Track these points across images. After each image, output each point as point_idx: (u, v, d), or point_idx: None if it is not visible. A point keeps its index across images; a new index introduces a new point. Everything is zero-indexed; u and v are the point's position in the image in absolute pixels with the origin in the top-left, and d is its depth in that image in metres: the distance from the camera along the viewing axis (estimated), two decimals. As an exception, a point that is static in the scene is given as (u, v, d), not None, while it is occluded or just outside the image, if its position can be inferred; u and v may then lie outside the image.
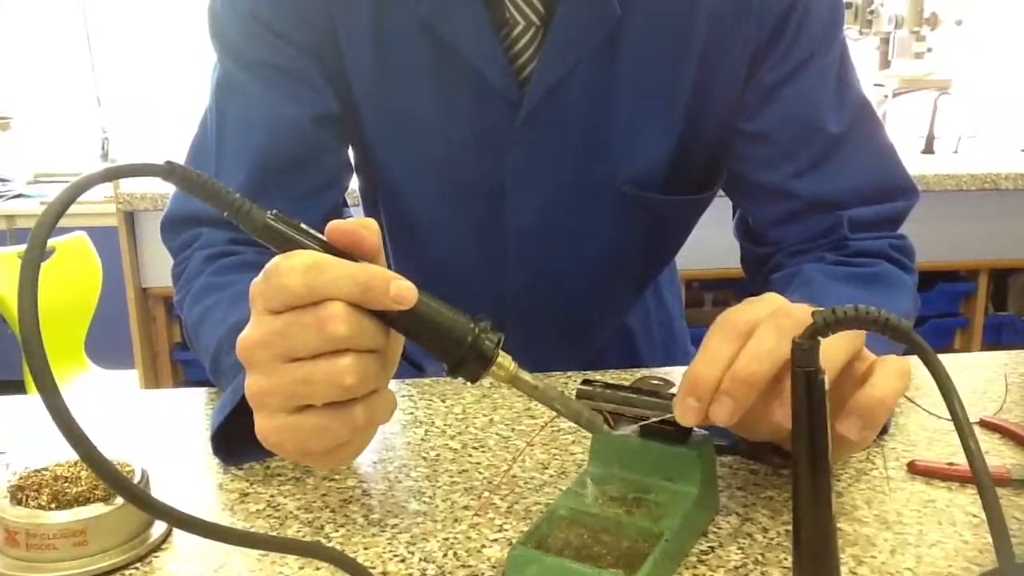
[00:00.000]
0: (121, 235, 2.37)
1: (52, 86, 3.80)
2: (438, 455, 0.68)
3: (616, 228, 0.89)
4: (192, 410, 0.79)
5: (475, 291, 0.91)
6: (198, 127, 0.86)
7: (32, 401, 0.79)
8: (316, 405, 0.49)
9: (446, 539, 0.56)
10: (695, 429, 0.56)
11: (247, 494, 0.62)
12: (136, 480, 0.55)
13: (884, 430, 0.71)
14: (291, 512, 0.59)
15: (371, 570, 0.51)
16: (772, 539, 0.56)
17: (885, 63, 3.18)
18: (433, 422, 0.75)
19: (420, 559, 0.53)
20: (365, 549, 0.55)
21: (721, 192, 0.93)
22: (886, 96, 3.16)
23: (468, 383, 0.51)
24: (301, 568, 0.52)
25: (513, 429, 0.73)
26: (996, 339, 2.91)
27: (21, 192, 3.52)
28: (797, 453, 0.44)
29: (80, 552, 0.51)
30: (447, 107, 0.82)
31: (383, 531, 0.57)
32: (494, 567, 0.52)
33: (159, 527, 0.55)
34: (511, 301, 0.92)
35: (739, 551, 0.54)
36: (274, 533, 0.57)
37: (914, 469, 0.65)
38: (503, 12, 0.78)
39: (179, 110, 3.27)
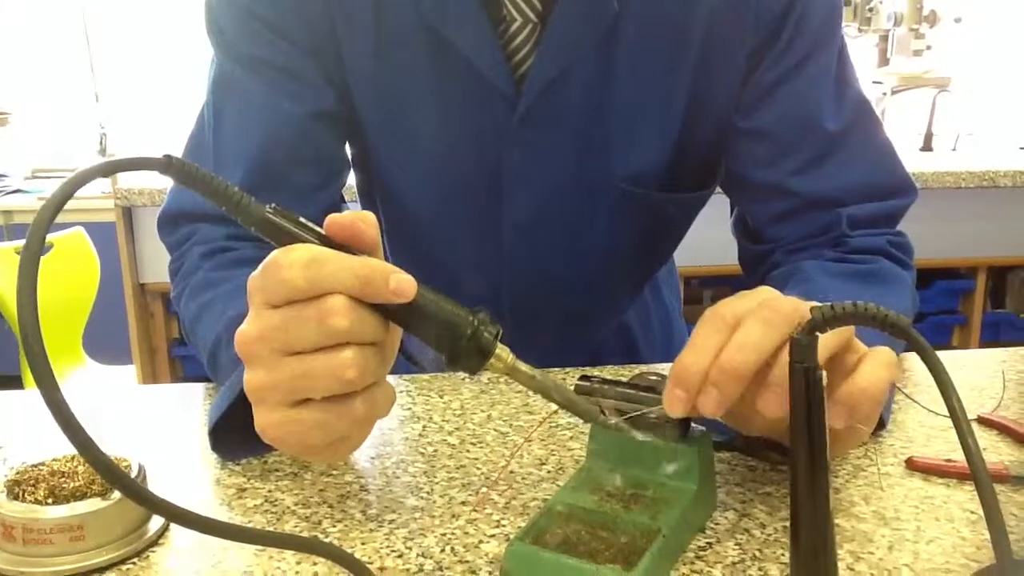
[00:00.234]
0: (119, 231, 2.37)
1: (50, 81, 3.79)
2: (436, 450, 0.68)
3: (614, 225, 0.89)
4: (190, 406, 0.79)
5: (473, 288, 0.91)
6: (195, 123, 0.86)
7: (29, 396, 0.79)
8: (316, 399, 0.49)
9: (444, 534, 0.56)
10: (693, 425, 0.57)
11: (244, 489, 0.62)
12: (133, 475, 0.55)
13: (882, 425, 0.71)
14: (289, 507, 0.59)
15: (368, 565, 0.51)
16: (770, 535, 0.56)
17: (884, 60, 3.18)
18: (431, 417, 0.75)
19: (418, 554, 0.53)
20: (363, 544, 0.55)
21: (719, 189, 0.93)
22: (885, 94, 3.16)
23: (467, 375, 0.51)
24: (299, 563, 0.52)
25: (511, 425, 0.73)
26: (994, 336, 2.92)
27: (19, 187, 3.52)
28: (795, 449, 0.44)
29: (77, 547, 0.51)
30: (445, 104, 0.82)
31: (381, 526, 0.57)
32: (491, 562, 0.52)
33: (156, 522, 0.55)
34: (509, 298, 0.92)
35: (737, 547, 0.54)
36: (271, 528, 0.57)
37: (912, 465, 0.65)
38: (501, 9, 0.78)
39: (177, 106, 3.26)
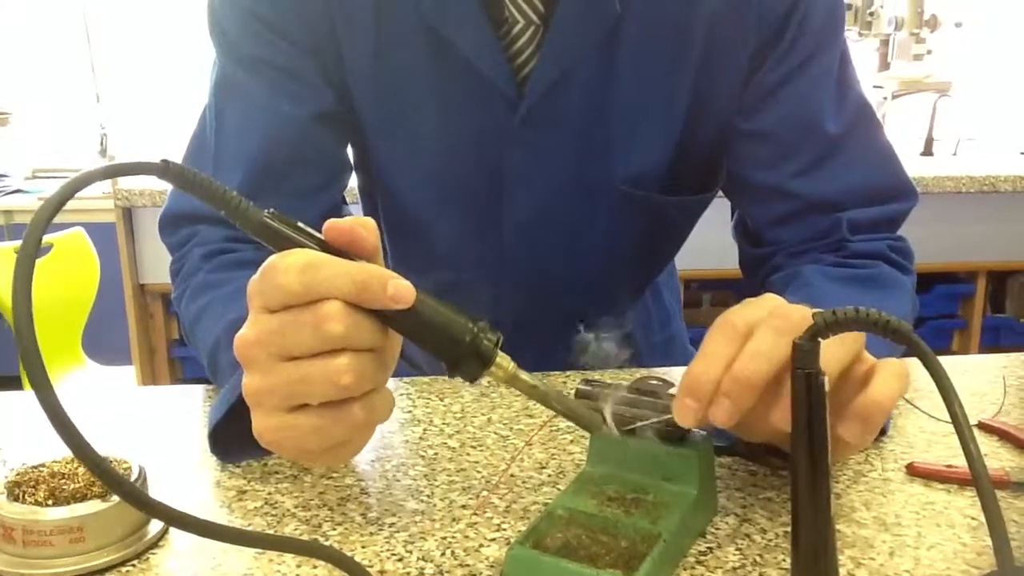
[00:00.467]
0: (119, 231, 2.37)
1: (51, 82, 3.79)
2: (436, 454, 0.68)
3: (615, 227, 0.89)
4: (189, 407, 0.79)
5: (473, 290, 0.91)
6: (196, 124, 0.86)
7: (29, 397, 0.79)
8: (313, 404, 0.49)
9: (444, 538, 0.56)
10: (694, 430, 0.56)
11: (244, 492, 0.62)
12: (133, 478, 0.55)
13: (883, 431, 0.71)
14: (289, 510, 0.59)
15: (369, 569, 0.51)
16: (770, 540, 0.55)
17: (884, 65, 3.18)
18: (431, 421, 0.75)
19: (418, 558, 0.53)
20: (363, 548, 0.54)
21: (720, 192, 0.93)
22: (885, 98, 3.16)
23: (467, 382, 0.51)
24: (299, 566, 0.52)
25: (511, 428, 0.73)
26: (994, 341, 2.91)
27: (19, 188, 3.51)
28: (796, 454, 0.44)
29: (77, 549, 0.51)
30: (446, 105, 0.82)
31: (381, 530, 0.57)
32: (492, 566, 0.52)
33: (156, 524, 0.55)
34: (508, 299, 0.92)
35: (737, 552, 0.54)
36: (271, 531, 0.57)
37: (913, 471, 0.65)
38: (502, 11, 0.78)
39: (178, 107, 3.26)
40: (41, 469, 0.54)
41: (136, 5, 3.72)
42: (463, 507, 0.60)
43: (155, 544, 0.54)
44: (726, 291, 2.71)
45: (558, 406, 0.53)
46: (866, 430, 0.50)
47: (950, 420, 0.42)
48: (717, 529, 0.57)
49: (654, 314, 1.08)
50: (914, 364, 0.86)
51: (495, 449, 0.69)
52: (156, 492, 0.57)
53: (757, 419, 0.51)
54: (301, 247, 0.49)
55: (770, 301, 0.54)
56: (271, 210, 0.49)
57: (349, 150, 0.91)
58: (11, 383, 1.85)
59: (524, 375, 0.52)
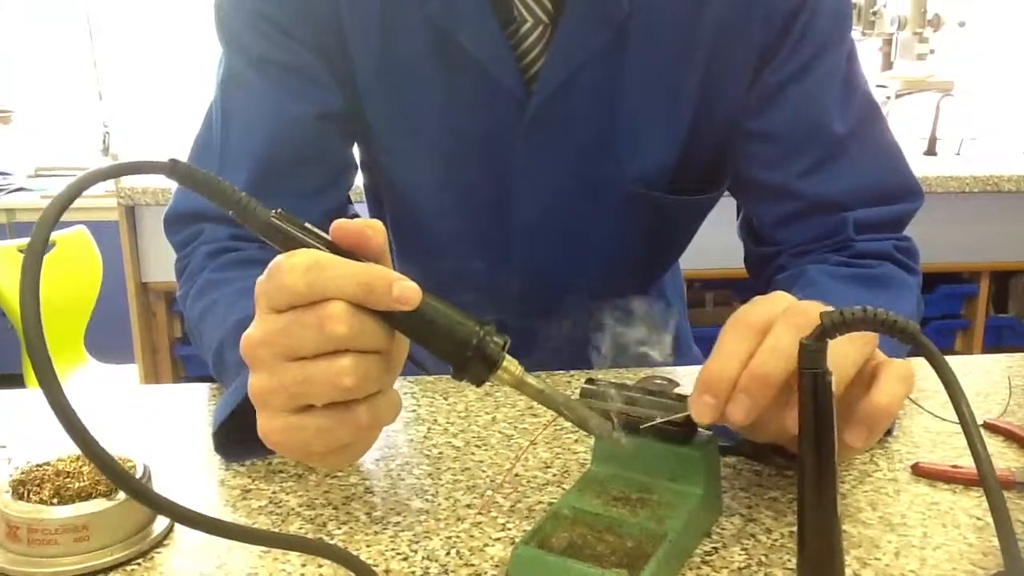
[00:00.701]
0: (122, 229, 2.37)
1: (53, 80, 3.79)
2: (441, 453, 0.68)
3: (621, 227, 0.89)
4: (193, 406, 0.79)
5: (479, 289, 0.91)
6: (202, 123, 0.86)
7: (33, 395, 0.79)
8: (317, 405, 0.49)
9: (449, 537, 0.56)
10: (700, 429, 0.56)
11: (249, 490, 0.62)
12: (138, 476, 0.55)
13: (888, 432, 0.71)
14: (293, 509, 0.59)
15: (374, 568, 0.51)
16: (776, 540, 0.55)
17: (888, 64, 3.18)
18: (436, 420, 0.75)
19: (423, 557, 0.53)
20: (368, 547, 0.54)
21: (725, 192, 0.93)
22: (888, 98, 3.15)
23: (474, 386, 0.51)
24: (303, 565, 0.52)
25: (516, 427, 0.73)
26: (997, 341, 2.91)
27: (22, 186, 3.52)
28: (803, 454, 0.44)
29: (82, 547, 0.51)
30: (453, 104, 0.82)
31: (386, 529, 0.57)
32: (497, 566, 0.52)
33: (161, 523, 0.55)
34: (514, 299, 0.92)
35: (743, 552, 0.54)
36: (276, 530, 0.57)
37: (918, 471, 0.65)
38: (511, 10, 0.78)
39: (181, 104, 3.26)
40: (46, 467, 0.54)
41: (139, 2, 3.73)
42: (468, 506, 0.60)
43: (160, 543, 0.54)
44: (728, 291, 2.71)
45: (566, 411, 0.52)
46: (871, 435, 0.50)
47: (956, 420, 0.42)
48: (722, 529, 0.57)
49: (657, 316, 1.08)
50: (920, 364, 0.86)
51: (500, 448, 0.69)
52: (160, 490, 0.57)
53: (770, 419, 0.51)
54: (308, 247, 0.48)
55: (783, 299, 0.54)
56: (278, 210, 0.49)
57: (355, 149, 0.91)
58: (14, 381, 1.85)
59: (531, 379, 0.52)
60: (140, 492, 0.42)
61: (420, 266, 0.95)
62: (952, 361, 0.88)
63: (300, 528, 0.57)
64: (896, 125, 3.09)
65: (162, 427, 0.74)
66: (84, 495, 0.52)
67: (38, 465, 0.54)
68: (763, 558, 0.53)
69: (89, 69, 3.78)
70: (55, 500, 0.51)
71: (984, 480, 0.41)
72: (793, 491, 0.60)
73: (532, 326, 0.89)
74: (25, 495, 0.52)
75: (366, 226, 0.50)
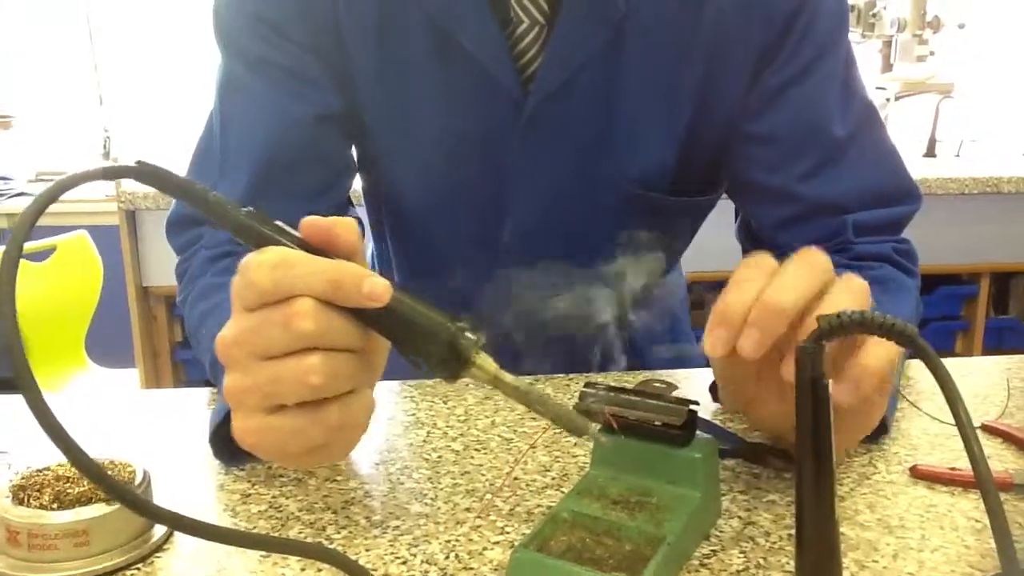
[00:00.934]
0: (122, 234, 2.37)
1: (54, 84, 3.80)
2: (440, 457, 0.68)
3: (619, 229, 0.89)
4: (193, 410, 0.79)
5: (477, 291, 0.91)
6: (203, 129, 0.86)
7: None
8: (290, 405, 0.48)
9: (448, 541, 0.56)
10: (698, 432, 0.56)
11: (249, 495, 0.62)
12: (138, 481, 0.55)
13: (885, 430, 0.71)
14: (293, 513, 0.59)
15: (372, 572, 0.51)
16: (775, 543, 0.55)
17: (887, 66, 3.18)
18: (435, 424, 0.75)
19: (422, 561, 0.53)
20: (367, 551, 0.55)
21: (724, 195, 0.93)
22: (888, 100, 3.15)
23: (448, 382, 0.51)
24: (303, 570, 0.52)
25: (515, 431, 0.73)
26: (997, 342, 2.91)
27: (23, 191, 3.51)
28: (801, 457, 0.44)
29: (82, 552, 0.51)
30: (450, 104, 0.82)
31: (385, 533, 0.57)
32: (496, 570, 0.52)
33: (161, 527, 0.55)
34: (511, 301, 0.92)
35: (741, 555, 0.54)
36: (276, 534, 0.57)
37: (916, 473, 0.65)
38: (508, 10, 0.78)
39: (181, 109, 3.27)
40: (46, 472, 0.54)
41: (139, 7, 3.73)
42: (467, 510, 0.60)
43: (160, 548, 0.55)
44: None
45: (541, 409, 0.52)
46: (858, 393, 0.51)
47: (954, 423, 0.42)
48: (721, 532, 0.57)
49: (659, 316, 1.08)
50: (918, 366, 0.87)
51: (499, 452, 0.69)
52: (160, 495, 0.58)
53: (770, 375, 0.52)
54: (278, 245, 0.48)
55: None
56: (249, 208, 0.49)
57: (353, 151, 0.91)
58: (14, 386, 1.85)
59: (507, 376, 0.51)
60: (126, 496, 0.42)
61: (417, 266, 0.95)
62: (950, 363, 0.88)
63: (299, 532, 0.57)
64: (896, 127, 3.11)
65: (162, 432, 0.75)
66: (84, 500, 0.52)
67: (38, 470, 0.55)
68: (762, 561, 0.53)
69: (90, 73, 3.78)
70: (55, 505, 0.52)
71: (981, 483, 0.41)
72: (791, 494, 0.60)
73: (531, 328, 0.89)
74: (25, 500, 0.52)
75: (336, 223, 0.49)
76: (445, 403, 0.79)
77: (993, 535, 0.41)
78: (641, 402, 0.56)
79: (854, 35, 3.07)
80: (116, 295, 2.58)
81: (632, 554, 0.50)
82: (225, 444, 0.64)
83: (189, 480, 0.65)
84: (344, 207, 0.90)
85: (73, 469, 0.55)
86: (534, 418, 0.75)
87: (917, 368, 0.86)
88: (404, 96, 0.83)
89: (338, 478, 0.64)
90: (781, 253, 0.88)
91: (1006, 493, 0.62)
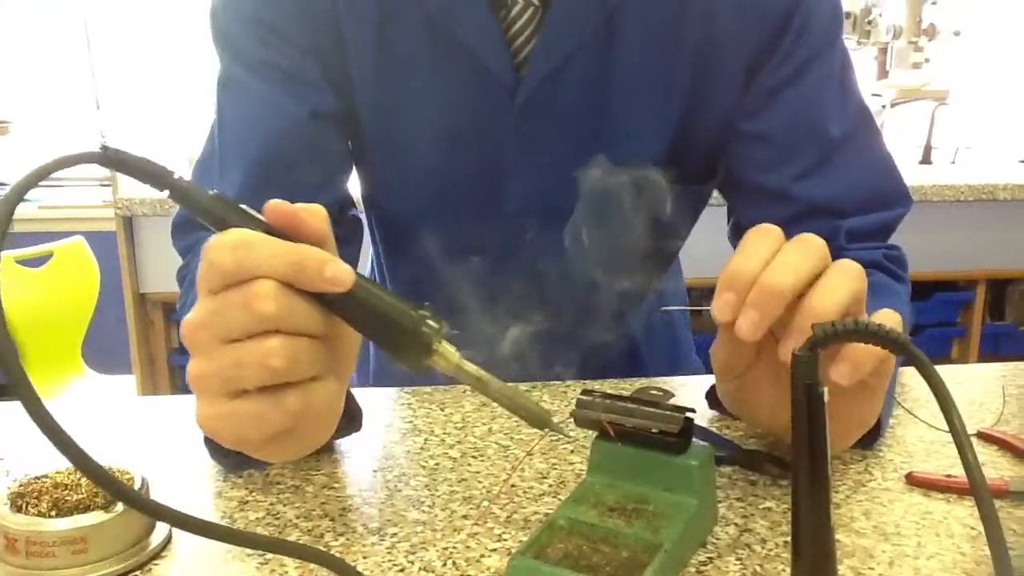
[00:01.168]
0: (119, 240, 2.37)
1: (51, 90, 3.80)
2: (437, 464, 0.68)
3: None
4: (190, 417, 0.78)
5: (471, 286, 0.91)
6: (207, 137, 0.87)
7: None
8: (251, 390, 0.47)
9: (445, 548, 0.56)
10: (695, 439, 0.57)
11: (246, 502, 0.62)
12: (136, 488, 0.55)
13: (878, 434, 0.71)
14: (290, 520, 0.60)
15: (370, 579, 0.51)
16: (771, 550, 0.56)
17: (883, 73, 3.19)
18: (432, 431, 0.75)
19: (419, 568, 0.53)
20: (364, 558, 0.55)
21: (721, 200, 0.93)
22: (884, 106, 3.16)
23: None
24: (300, 575, 0.52)
25: (512, 438, 0.73)
26: (994, 349, 2.92)
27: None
28: (797, 464, 0.45)
29: (80, 559, 0.51)
30: (446, 102, 0.82)
31: (383, 540, 0.57)
32: (493, 577, 0.53)
33: (159, 535, 0.55)
34: (506, 296, 0.92)
35: (738, 562, 0.54)
36: (273, 541, 0.57)
37: (912, 481, 0.65)
38: None
39: (178, 114, 3.27)
40: (44, 480, 0.54)
41: (137, 12, 3.73)
42: (464, 517, 0.60)
43: (158, 554, 0.55)
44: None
45: (503, 399, 0.52)
46: (855, 372, 0.51)
47: (948, 430, 0.43)
48: (717, 539, 0.57)
49: (658, 324, 1.08)
50: (913, 373, 0.87)
51: (496, 459, 0.69)
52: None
53: (766, 357, 0.52)
54: (243, 229, 0.48)
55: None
56: (215, 192, 0.48)
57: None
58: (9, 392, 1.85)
59: (469, 366, 0.51)
60: (138, 502, 0.42)
61: (411, 261, 0.95)
62: (946, 370, 0.88)
63: (297, 539, 0.57)
64: (891, 134, 3.12)
65: (159, 438, 0.75)
66: (82, 507, 0.52)
67: (36, 477, 0.55)
68: (758, 568, 0.54)
69: (87, 79, 3.78)
70: (53, 512, 0.52)
71: (975, 490, 0.42)
72: (788, 501, 0.60)
73: (524, 324, 0.89)
74: (23, 507, 0.52)
75: (301, 208, 0.49)
76: (442, 410, 0.79)
77: (988, 542, 0.41)
78: (638, 409, 0.56)
79: (849, 42, 3.08)
80: (113, 301, 2.58)
81: (629, 561, 0.50)
82: (219, 446, 0.64)
83: (187, 487, 0.65)
84: (342, 203, 0.89)
85: (71, 477, 0.55)
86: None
87: (912, 375, 0.86)
88: (400, 89, 0.83)
89: (336, 485, 0.65)
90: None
91: (1001, 500, 0.62)
